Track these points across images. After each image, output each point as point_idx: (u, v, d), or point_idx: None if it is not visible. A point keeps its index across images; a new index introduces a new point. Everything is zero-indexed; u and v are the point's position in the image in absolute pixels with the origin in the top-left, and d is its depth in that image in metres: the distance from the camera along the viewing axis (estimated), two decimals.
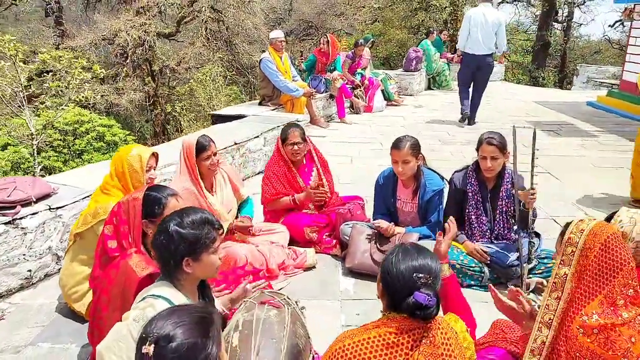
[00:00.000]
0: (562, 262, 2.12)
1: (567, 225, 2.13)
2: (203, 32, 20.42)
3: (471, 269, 3.40)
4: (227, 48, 21.56)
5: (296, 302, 2.31)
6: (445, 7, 20.77)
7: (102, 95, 19.29)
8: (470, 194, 3.55)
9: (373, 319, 2.80)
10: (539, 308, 2.12)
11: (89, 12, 24.44)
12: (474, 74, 7.92)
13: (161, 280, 1.98)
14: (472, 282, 3.40)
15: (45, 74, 21.98)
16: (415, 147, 3.55)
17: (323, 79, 8.30)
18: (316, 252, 3.80)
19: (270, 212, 4.06)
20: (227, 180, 3.62)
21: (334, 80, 8.14)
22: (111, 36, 19.06)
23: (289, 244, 3.82)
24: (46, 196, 3.40)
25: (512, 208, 3.47)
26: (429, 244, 3.45)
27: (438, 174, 3.75)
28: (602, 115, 9.45)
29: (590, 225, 2.14)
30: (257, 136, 5.48)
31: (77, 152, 13.60)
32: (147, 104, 19.58)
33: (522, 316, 2.26)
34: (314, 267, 3.64)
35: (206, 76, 16.98)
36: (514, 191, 3.37)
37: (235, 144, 5.15)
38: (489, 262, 3.37)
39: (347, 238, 3.68)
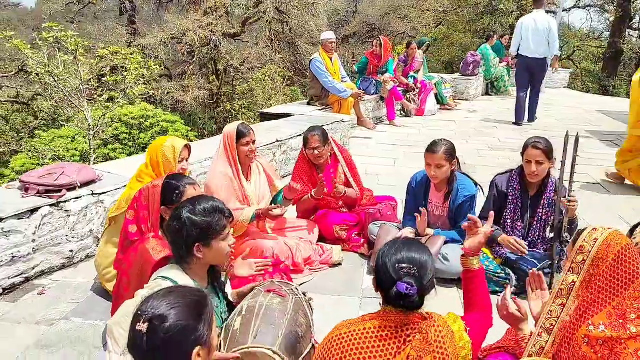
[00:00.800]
0: (570, 270, 2.09)
1: (580, 232, 2.10)
2: (267, 33, 20.87)
3: (497, 275, 3.37)
4: (290, 49, 21.91)
5: (304, 293, 2.38)
6: (512, 11, 20.28)
7: (168, 92, 20.13)
8: (510, 198, 3.50)
9: None
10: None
11: (161, 11, 25.42)
12: (530, 75, 8.35)
13: (173, 264, 2.10)
14: (497, 289, 3.35)
15: (115, 70, 23.07)
16: (450, 152, 3.52)
17: (374, 81, 8.31)
18: (344, 250, 3.86)
19: (302, 210, 4.15)
20: (262, 171, 3.73)
21: (385, 82, 8.14)
22: (179, 35, 19.81)
23: (318, 241, 3.90)
24: (91, 182, 3.62)
25: (551, 217, 3.38)
26: (455, 248, 3.48)
27: (472, 179, 3.71)
28: None
29: (605, 235, 2.10)
30: (300, 134, 5.57)
31: (142, 146, 14.22)
32: (211, 101, 20.21)
33: (521, 321, 2.24)
34: (340, 264, 3.69)
35: (265, 76, 17.31)
36: (555, 198, 3.31)
37: (278, 141, 5.27)
38: (526, 253, 3.27)
39: (375, 237, 3.71)
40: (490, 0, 20.91)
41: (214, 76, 20.81)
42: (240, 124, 3.53)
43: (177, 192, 2.51)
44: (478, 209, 3.67)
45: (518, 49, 8.28)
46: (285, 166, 5.49)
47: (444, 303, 3.09)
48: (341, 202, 4.05)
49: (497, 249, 3.48)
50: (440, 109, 9.82)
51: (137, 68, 10.71)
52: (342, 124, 6.32)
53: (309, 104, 7.49)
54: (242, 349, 1.94)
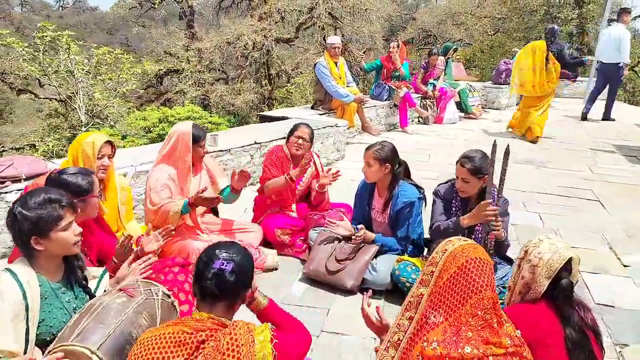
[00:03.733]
0: (421, 282, 1.99)
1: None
2: (318, 38, 20.99)
3: None
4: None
5: (168, 296, 2.34)
6: (572, 18, 19.44)
7: (221, 95, 20.68)
8: (453, 209, 3.34)
9: None
10: None
11: (220, 16, 26.07)
12: (605, 79, 9.27)
13: (21, 257, 2.11)
14: None
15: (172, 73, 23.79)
16: (382, 154, 3.46)
17: (387, 87, 8.16)
18: (287, 255, 3.80)
19: (259, 207, 4.10)
20: (205, 170, 3.73)
21: (398, 88, 7.96)
22: (234, 40, 20.26)
23: (265, 245, 3.85)
24: (39, 175, 3.72)
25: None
26: (387, 259, 3.34)
27: (417, 186, 3.56)
28: None
29: (455, 246, 1.97)
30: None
31: None
32: (262, 105, 20.54)
33: (383, 330, 2.14)
34: (275, 269, 3.63)
35: (305, 80, 17.45)
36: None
37: (256, 143, 5.25)
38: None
39: (313, 243, 3.63)
40: (548, 7, 20.17)
41: (267, 80, 21.15)
42: (193, 124, 3.52)
43: (89, 183, 2.56)
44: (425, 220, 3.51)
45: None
46: None
47: None
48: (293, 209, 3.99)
49: None
50: (464, 117, 9.51)
51: (192, 71, 11.13)
52: (336, 129, 6.22)
53: (312, 108, 7.44)
54: (59, 346, 1.92)
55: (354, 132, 7.60)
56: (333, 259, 3.42)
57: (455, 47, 9.61)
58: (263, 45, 19.42)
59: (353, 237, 3.44)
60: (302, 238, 3.87)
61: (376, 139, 7.39)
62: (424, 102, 8.86)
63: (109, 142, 3.18)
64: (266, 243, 3.89)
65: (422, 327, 1.91)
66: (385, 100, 8.22)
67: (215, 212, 3.95)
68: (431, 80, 8.93)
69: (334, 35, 7.70)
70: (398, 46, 8.12)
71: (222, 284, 1.77)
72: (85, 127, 9.94)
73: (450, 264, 1.95)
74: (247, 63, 20.68)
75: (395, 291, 3.31)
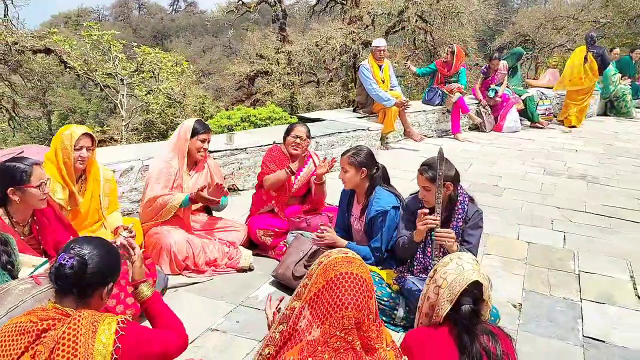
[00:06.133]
0: (296, 295, 1.90)
1: None
2: (407, 42, 20.71)
3: (382, 302, 3.01)
4: (431, 59, 21.46)
5: None
6: None
7: (306, 97, 21.04)
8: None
9: (248, 330, 2.89)
10: None
11: (313, 19, 26.48)
12: None
13: None
14: (384, 319, 3.01)
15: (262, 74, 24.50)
16: (358, 159, 3.31)
17: (440, 92, 7.85)
18: (270, 257, 3.77)
19: (254, 204, 4.10)
20: (206, 171, 3.83)
21: (451, 92, 7.64)
22: (323, 43, 20.52)
23: (250, 245, 3.84)
24: None
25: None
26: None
27: (397, 196, 3.39)
28: None
29: (329, 259, 1.87)
30: None
31: None
32: (346, 107, 20.62)
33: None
34: (250, 269, 3.59)
35: None
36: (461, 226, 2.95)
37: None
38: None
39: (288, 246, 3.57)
40: None
41: (353, 84, 21.20)
42: (197, 120, 3.72)
43: (24, 172, 2.66)
44: None
45: None
46: None
47: None
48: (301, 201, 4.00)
49: (400, 277, 3.12)
50: (530, 126, 8.93)
51: (280, 73, 11.48)
52: (367, 133, 6.08)
53: (354, 111, 7.32)
54: None
55: (398, 137, 7.39)
56: (302, 264, 3.33)
57: (525, 53, 9.10)
58: (350, 49, 19.45)
59: (316, 236, 3.34)
60: (285, 241, 3.81)
61: (421, 146, 7.21)
62: (479, 109, 8.42)
63: (88, 135, 3.29)
64: (252, 244, 3.88)
65: (289, 341, 1.81)
66: (437, 105, 7.91)
67: (209, 211, 4.00)
68: (492, 86, 8.47)
69: (380, 38, 7.51)
70: (453, 52, 7.80)
71: (59, 278, 1.76)
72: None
73: (320, 277, 1.84)
74: (335, 66, 20.81)
75: None
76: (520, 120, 8.83)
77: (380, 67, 6.95)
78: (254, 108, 18.04)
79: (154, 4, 54.58)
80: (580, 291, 3.46)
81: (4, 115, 13.12)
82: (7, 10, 11.21)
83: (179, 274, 3.46)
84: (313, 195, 4.09)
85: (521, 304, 3.29)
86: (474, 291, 1.97)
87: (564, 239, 4.32)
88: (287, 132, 4.04)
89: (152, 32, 47.09)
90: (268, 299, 2.21)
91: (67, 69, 10.43)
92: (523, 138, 8.15)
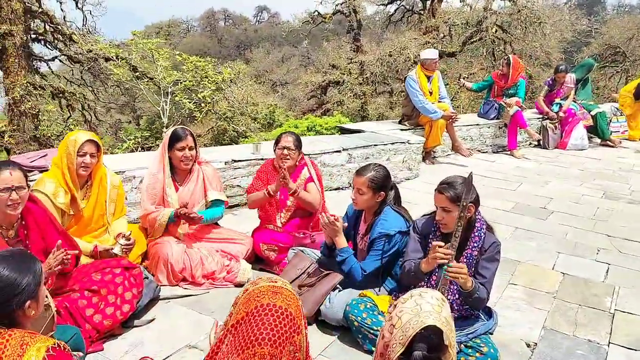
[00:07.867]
0: (225, 322, 1.76)
1: None
2: (483, 52, 20.08)
3: (372, 331, 2.78)
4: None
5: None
6: None
7: (377, 107, 20.96)
8: (430, 246, 2.88)
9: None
10: None
11: (389, 29, 26.28)
12: None
13: None
14: (374, 348, 2.77)
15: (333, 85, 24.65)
16: (376, 182, 3.03)
17: (496, 105, 7.40)
18: (275, 273, 3.61)
19: (261, 217, 3.96)
20: (202, 180, 3.69)
21: (508, 106, 7.18)
22: (396, 53, 20.31)
23: (256, 259, 3.72)
24: None
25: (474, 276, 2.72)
26: (349, 293, 2.98)
27: (406, 220, 3.12)
28: None
29: (254, 287, 1.71)
30: (339, 151, 5.30)
31: None
32: (392, 120, 20.37)
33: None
34: None
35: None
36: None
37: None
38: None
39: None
40: None
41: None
42: (175, 129, 3.57)
43: None
44: None
45: None
46: None
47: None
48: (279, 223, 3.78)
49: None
50: (600, 144, 8.25)
51: (352, 83, 11.45)
52: (407, 146, 5.80)
53: (400, 122, 7.04)
54: None
55: (447, 152, 7.03)
56: (297, 283, 3.16)
57: (597, 64, 8.43)
58: None
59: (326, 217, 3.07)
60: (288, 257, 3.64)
61: (470, 161, 6.81)
62: (543, 124, 7.86)
63: (92, 141, 3.29)
64: (258, 258, 3.75)
65: None
66: (493, 119, 7.46)
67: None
68: (557, 100, 7.89)
69: (431, 49, 7.19)
70: (508, 63, 7.34)
71: None
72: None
73: (242, 307, 1.69)
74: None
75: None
76: (589, 137, 8.18)
77: (428, 78, 6.64)
78: (322, 117, 18.13)
79: (239, 15, 56.42)
80: (610, 333, 3.04)
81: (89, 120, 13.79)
82: (86, 20, 11.87)
83: (176, 285, 3.40)
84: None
85: (536, 344, 2.92)
86: (431, 336, 1.70)
87: (607, 271, 3.86)
88: (275, 143, 3.85)
89: (235, 42, 48.64)
90: (215, 324, 2.06)
91: (136, 77, 10.85)
92: (588, 157, 7.51)
